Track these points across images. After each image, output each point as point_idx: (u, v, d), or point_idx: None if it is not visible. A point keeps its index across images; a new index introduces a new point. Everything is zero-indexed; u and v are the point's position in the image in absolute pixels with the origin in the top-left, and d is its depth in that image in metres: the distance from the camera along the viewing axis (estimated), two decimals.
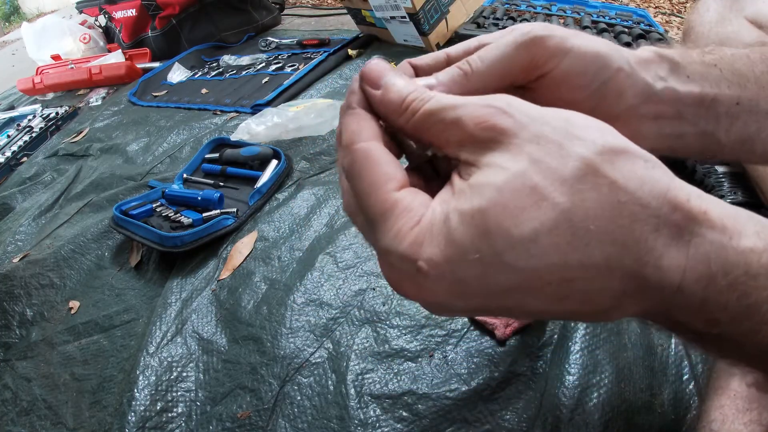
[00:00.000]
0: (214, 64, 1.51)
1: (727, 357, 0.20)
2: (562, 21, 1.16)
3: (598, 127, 0.18)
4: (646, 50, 0.27)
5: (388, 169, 0.19)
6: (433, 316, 0.52)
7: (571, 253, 0.16)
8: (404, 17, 1.13)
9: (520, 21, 1.14)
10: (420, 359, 0.49)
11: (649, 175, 0.17)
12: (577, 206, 0.16)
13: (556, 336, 0.48)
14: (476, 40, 0.26)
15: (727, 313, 0.16)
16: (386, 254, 0.18)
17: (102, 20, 1.85)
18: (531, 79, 0.25)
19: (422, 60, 0.26)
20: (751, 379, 0.34)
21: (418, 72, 0.26)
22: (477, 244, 0.16)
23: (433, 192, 0.19)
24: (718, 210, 0.17)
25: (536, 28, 0.24)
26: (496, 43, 0.24)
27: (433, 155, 0.23)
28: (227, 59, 1.47)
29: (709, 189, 0.55)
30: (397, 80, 0.21)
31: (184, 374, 0.54)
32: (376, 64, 0.21)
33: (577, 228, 0.16)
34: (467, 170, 0.18)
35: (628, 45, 0.95)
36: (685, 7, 2.00)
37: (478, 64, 0.23)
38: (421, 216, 0.18)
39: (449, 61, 0.26)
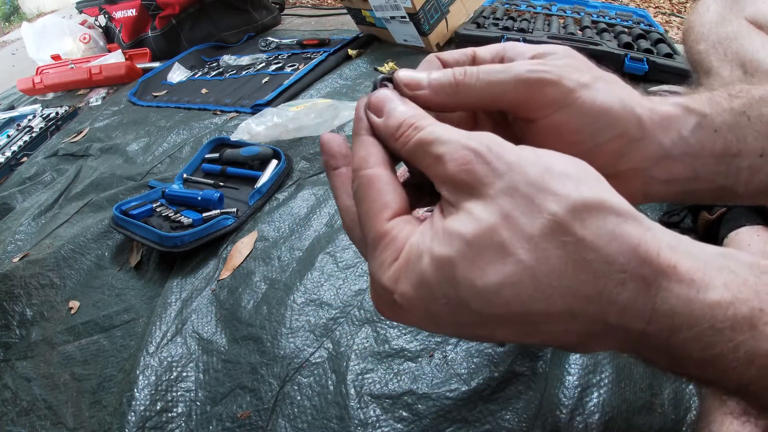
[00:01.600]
0: (214, 64, 1.51)
1: (698, 386, 0.21)
2: (562, 21, 1.16)
3: (576, 177, 0.18)
4: (671, 104, 0.25)
5: (387, 197, 0.20)
6: None
7: (534, 304, 0.17)
8: (404, 17, 1.13)
9: (521, 21, 1.14)
10: (420, 359, 0.49)
11: (619, 230, 0.17)
12: (540, 263, 0.17)
13: None
14: (502, 47, 0.26)
15: (691, 361, 0.17)
16: (372, 278, 0.20)
17: (102, 20, 1.85)
18: (521, 117, 0.24)
19: (450, 55, 0.27)
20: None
21: (446, 66, 0.26)
22: (444, 289, 0.18)
23: (434, 203, 0.21)
24: (688, 263, 0.17)
25: (550, 69, 0.23)
26: (505, 66, 0.23)
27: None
28: (227, 59, 1.47)
29: None
30: (398, 106, 0.22)
31: (184, 374, 0.54)
32: (383, 93, 0.23)
33: (540, 283, 0.17)
34: (447, 208, 0.19)
35: (628, 46, 0.95)
36: (685, 7, 2.00)
37: (473, 80, 0.23)
38: (400, 251, 0.19)
39: (475, 61, 0.26)
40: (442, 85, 0.23)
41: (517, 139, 0.27)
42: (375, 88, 0.24)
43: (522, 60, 0.25)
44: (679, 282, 0.17)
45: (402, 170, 0.27)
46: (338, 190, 0.24)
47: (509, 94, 0.23)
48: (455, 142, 0.19)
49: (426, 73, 0.24)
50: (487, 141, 0.19)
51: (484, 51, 0.26)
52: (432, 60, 0.26)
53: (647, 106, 0.24)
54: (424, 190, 0.25)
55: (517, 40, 1.01)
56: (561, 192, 0.17)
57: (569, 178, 0.18)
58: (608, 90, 0.24)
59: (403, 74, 0.24)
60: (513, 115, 0.25)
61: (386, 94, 0.23)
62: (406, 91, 0.23)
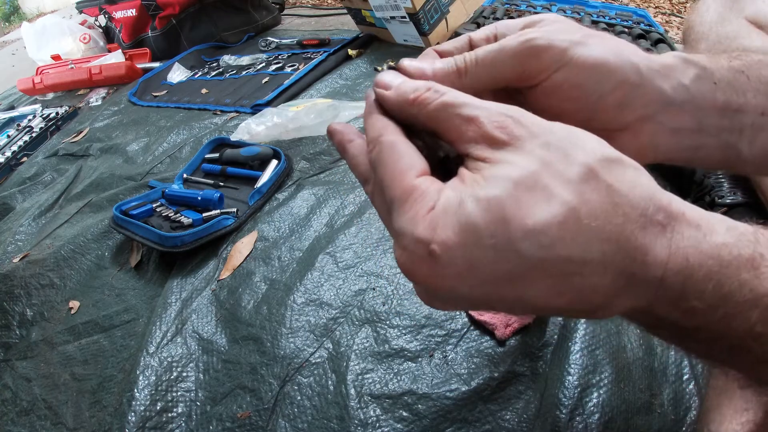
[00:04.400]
0: (214, 64, 1.51)
1: (700, 353, 0.22)
2: None
3: (597, 140, 0.20)
4: (670, 56, 0.25)
5: (410, 159, 0.20)
6: (433, 316, 0.53)
7: (575, 248, 0.17)
8: (404, 17, 1.13)
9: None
10: (420, 359, 0.49)
11: (638, 180, 0.19)
12: (582, 204, 0.17)
13: (556, 336, 0.48)
14: (494, 27, 0.27)
15: (703, 301, 0.18)
16: (401, 236, 0.19)
17: (102, 20, 1.85)
18: (523, 86, 0.25)
19: (446, 46, 0.27)
20: (723, 382, 0.35)
21: (443, 57, 0.27)
22: (493, 229, 0.17)
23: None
24: (693, 212, 0.19)
25: (540, 35, 0.23)
26: (499, 44, 0.24)
27: (443, 158, 0.24)
28: (227, 59, 1.47)
29: (709, 189, 0.55)
30: (408, 79, 0.23)
31: (184, 374, 0.54)
32: (391, 72, 0.24)
33: (582, 224, 0.17)
34: (477, 165, 0.19)
35: None
36: (685, 7, 2.00)
37: (473, 65, 0.24)
38: (436, 201, 0.19)
39: (472, 46, 0.27)
40: (446, 74, 0.24)
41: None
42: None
43: (513, 33, 0.25)
44: (689, 226, 0.18)
45: None
46: (356, 158, 0.24)
47: (507, 69, 0.24)
48: (490, 107, 0.20)
49: (429, 63, 0.24)
50: (519, 110, 0.20)
51: (478, 34, 0.27)
52: (430, 52, 0.27)
53: (643, 55, 0.25)
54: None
55: None
56: (588, 148, 0.19)
57: (591, 140, 0.20)
58: (601, 44, 0.24)
59: (408, 63, 0.25)
60: (517, 86, 0.25)
61: (394, 73, 0.24)
62: (413, 76, 0.24)
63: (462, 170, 0.20)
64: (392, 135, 0.22)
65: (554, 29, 0.24)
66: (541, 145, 0.19)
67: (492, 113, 0.20)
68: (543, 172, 0.18)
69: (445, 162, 0.23)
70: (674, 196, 0.19)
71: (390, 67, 0.25)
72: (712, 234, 0.18)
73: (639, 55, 0.25)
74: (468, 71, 0.24)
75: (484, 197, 0.18)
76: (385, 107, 0.23)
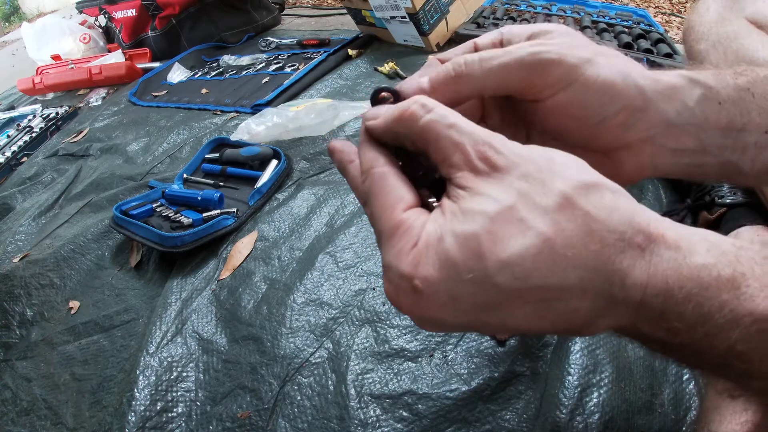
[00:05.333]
0: (214, 64, 1.51)
1: (689, 364, 0.22)
2: (562, 21, 1.15)
3: (575, 165, 0.20)
4: (677, 75, 0.25)
5: (398, 192, 0.21)
6: None
7: (551, 277, 0.18)
8: (404, 17, 1.13)
9: (521, 21, 1.14)
10: (420, 359, 0.49)
11: (615, 204, 0.19)
12: (557, 234, 0.18)
13: (556, 336, 0.48)
14: (499, 32, 0.27)
15: (683, 322, 0.18)
16: (388, 270, 0.20)
17: (102, 20, 1.85)
18: (527, 98, 0.24)
19: (449, 53, 0.27)
20: (721, 387, 0.35)
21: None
22: (471, 265, 0.18)
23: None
24: (673, 233, 0.19)
25: (550, 49, 0.23)
26: (506, 51, 0.24)
27: (438, 178, 0.23)
28: (227, 59, 1.47)
29: (709, 189, 0.55)
30: (396, 105, 0.23)
31: (184, 374, 0.54)
32: (379, 106, 0.24)
33: (557, 254, 0.18)
34: (457, 193, 0.20)
35: (628, 46, 0.95)
36: (685, 7, 2.00)
37: (474, 68, 0.23)
38: (419, 237, 0.19)
39: (477, 51, 0.27)
40: (442, 80, 0.24)
41: (525, 120, 0.27)
42: (374, 103, 0.25)
43: (520, 41, 0.25)
44: (668, 248, 0.19)
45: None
46: (357, 179, 0.24)
47: (513, 78, 0.24)
48: (474, 133, 0.20)
49: (425, 75, 0.24)
50: (502, 139, 0.20)
51: (483, 39, 0.27)
52: (432, 62, 0.27)
53: (650, 76, 0.24)
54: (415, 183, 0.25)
55: None
56: (566, 175, 0.19)
57: (569, 166, 0.20)
58: (609, 64, 0.24)
59: (406, 85, 0.25)
60: (519, 97, 0.25)
61: (384, 106, 0.24)
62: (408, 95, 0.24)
63: (444, 200, 0.21)
64: (382, 167, 0.22)
65: (564, 43, 0.24)
66: (520, 176, 0.19)
67: (476, 141, 0.20)
68: (519, 204, 0.18)
69: (439, 181, 0.23)
70: (655, 215, 0.20)
71: (381, 90, 0.25)
72: (692, 255, 0.18)
73: (645, 76, 0.24)
74: (467, 74, 0.24)
75: (461, 233, 0.18)
76: (375, 136, 0.23)
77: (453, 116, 0.21)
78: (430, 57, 0.27)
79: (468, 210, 0.19)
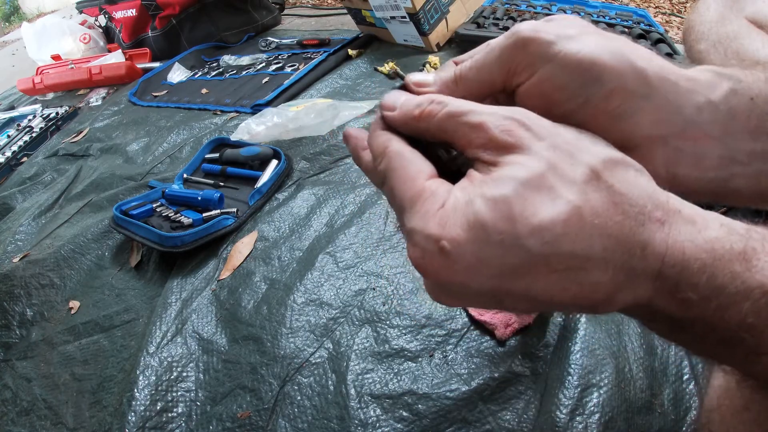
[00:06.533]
0: (214, 64, 1.51)
1: (698, 346, 0.22)
2: None
3: (603, 142, 0.21)
4: (700, 69, 0.22)
5: (418, 164, 0.21)
6: (434, 315, 0.52)
7: (578, 243, 0.18)
8: (404, 17, 1.13)
9: (520, 21, 1.14)
10: (420, 359, 0.49)
11: (638, 181, 0.20)
12: (585, 203, 0.18)
13: (556, 336, 0.48)
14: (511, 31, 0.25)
15: (697, 292, 0.19)
16: (413, 234, 0.20)
17: (102, 20, 1.85)
18: (511, 86, 0.23)
19: (466, 55, 0.26)
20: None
21: None
22: (501, 226, 0.18)
23: None
24: (689, 209, 0.20)
25: (524, 27, 0.22)
26: (489, 42, 0.23)
27: (456, 169, 0.23)
28: (227, 59, 1.47)
29: None
30: (412, 95, 0.23)
31: (184, 374, 0.54)
32: (395, 92, 0.24)
33: (585, 222, 0.18)
34: (486, 168, 0.20)
35: None
36: (685, 7, 2.00)
37: (466, 70, 0.23)
38: (446, 200, 0.19)
39: None
40: (444, 83, 0.24)
41: None
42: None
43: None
44: (685, 222, 0.19)
45: None
46: (370, 164, 0.24)
47: (495, 68, 0.23)
48: (495, 113, 0.20)
49: (435, 74, 0.25)
50: (525, 112, 0.20)
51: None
52: (449, 63, 0.27)
53: (658, 62, 0.21)
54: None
55: None
56: (593, 150, 0.20)
57: (597, 142, 0.20)
58: (597, 41, 0.21)
59: (411, 77, 0.25)
60: (509, 89, 0.23)
61: (398, 92, 0.24)
62: (416, 90, 0.24)
63: (471, 172, 0.20)
64: (398, 145, 0.22)
65: (550, 21, 0.22)
66: (548, 147, 0.19)
67: (497, 117, 0.20)
68: (549, 173, 0.19)
69: (457, 172, 0.23)
70: (672, 194, 0.20)
71: (397, 75, 0.25)
72: (706, 229, 0.19)
73: (652, 61, 0.21)
74: (462, 77, 0.24)
75: (491, 196, 0.18)
76: (393, 126, 0.23)
77: (468, 104, 0.21)
78: (449, 60, 0.27)
79: (498, 176, 0.19)
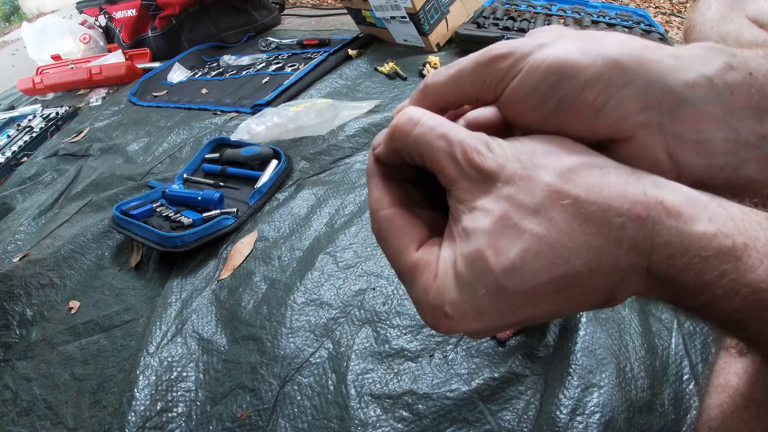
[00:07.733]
0: (214, 64, 1.51)
1: (701, 319, 0.22)
2: (562, 21, 1.16)
3: (557, 149, 0.20)
4: (689, 46, 0.21)
5: (408, 233, 0.22)
6: None
7: (556, 270, 0.18)
8: (404, 17, 1.13)
9: (521, 21, 1.14)
10: (420, 359, 0.49)
11: (605, 181, 0.19)
12: (551, 230, 0.18)
13: (556, 336, 0.48)
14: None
15: (685, 290, 0.18)
16: (419, 305, 0.22)
17: (102, 20, 1.86)
18: (489, 101, 0.23)
19: (451, 65, 0.27)
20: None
21: None
22: (483, 280, 0.19)
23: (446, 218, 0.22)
24: (673, 198, 0.18)
25: (499, 45, 0.22)
26: (467, 57, 0.23)
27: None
28: (227, 59, 1.47)
29: None
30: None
31: (184, 374, 0.54)
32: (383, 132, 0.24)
33: (556, 248, 0.18)
34: (457, 210, 0.21)
35: None
36: (685, 6, 2.00)
37: (436, 79, 0.23)
38: (437, 269, 0.21)
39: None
40: (415, 93, 0.24)
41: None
42: None
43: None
44: (668, 215, 0.18)
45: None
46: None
47: (470, 81, 0.22)
48: (464, 142, 0.20)
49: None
50: (485, 141, 0.21)
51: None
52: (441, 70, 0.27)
53: (634, 46, 0.20)
54: (427, 188, 0.25)
55: None
56: (549, 164, 0.19)
57: (551, 153, 0.20)
58: (569, 43, 0.20)
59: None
60: (483, 102, 0.24)
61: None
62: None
63: (450, 222, 0.21)
64: (388, 208, 0.23)
65: (528, 38, 0.22)
66: (506, 179, 0.20)
67: (464, 148, 0.20)
68: (510, 211, 0.19)
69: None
70: (651, 179, 0.19)
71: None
72: (692, 222, 0.18)
73: (626, 45, 0.20)
74: (430, 86, 0.23)
75: (467, 254, 0.19)
76: (384, 162, 0.24)
77: (442, 126, 0.21)
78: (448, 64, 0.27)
79: (468, 229, 0.20)
